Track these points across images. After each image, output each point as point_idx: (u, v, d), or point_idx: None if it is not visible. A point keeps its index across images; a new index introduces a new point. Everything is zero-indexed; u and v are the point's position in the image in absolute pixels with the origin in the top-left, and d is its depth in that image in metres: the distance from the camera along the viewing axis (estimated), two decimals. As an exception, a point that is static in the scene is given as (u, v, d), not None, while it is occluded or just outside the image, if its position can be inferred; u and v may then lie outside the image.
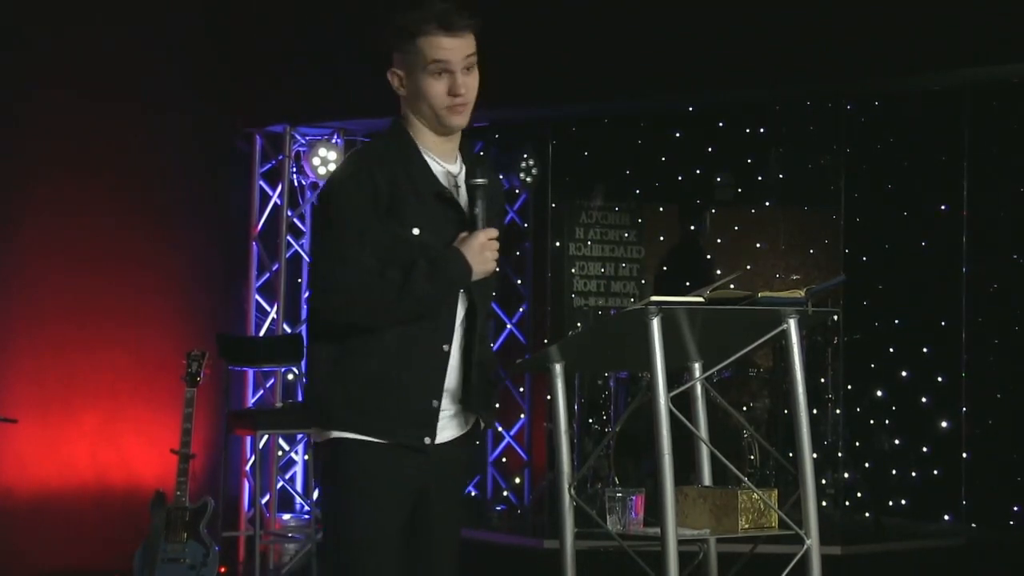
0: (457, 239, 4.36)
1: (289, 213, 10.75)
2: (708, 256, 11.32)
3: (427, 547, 4.64)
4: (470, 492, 11.66)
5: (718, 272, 10.95)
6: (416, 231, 4.33)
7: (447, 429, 4.42)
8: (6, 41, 9.53)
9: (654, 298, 4.86)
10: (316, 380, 4.39)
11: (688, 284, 10.30)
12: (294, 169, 10.76)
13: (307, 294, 4.28)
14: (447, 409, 4.40)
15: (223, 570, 9.65)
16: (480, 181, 4.40)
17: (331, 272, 4.30)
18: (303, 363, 10.45)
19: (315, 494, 10.68)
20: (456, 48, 4.41)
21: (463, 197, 4.41)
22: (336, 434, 4.34)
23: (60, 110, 9.96)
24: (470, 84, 4.43)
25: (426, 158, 4.45)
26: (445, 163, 4.47)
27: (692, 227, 11.60)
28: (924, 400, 10.77)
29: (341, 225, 4.31)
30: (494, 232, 4.37)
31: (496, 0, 9.82)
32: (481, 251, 4.34)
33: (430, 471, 4.42)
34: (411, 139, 4.50)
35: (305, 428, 10.20)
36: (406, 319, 4.30)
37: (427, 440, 4.36)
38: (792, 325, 5.09)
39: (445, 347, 4.38)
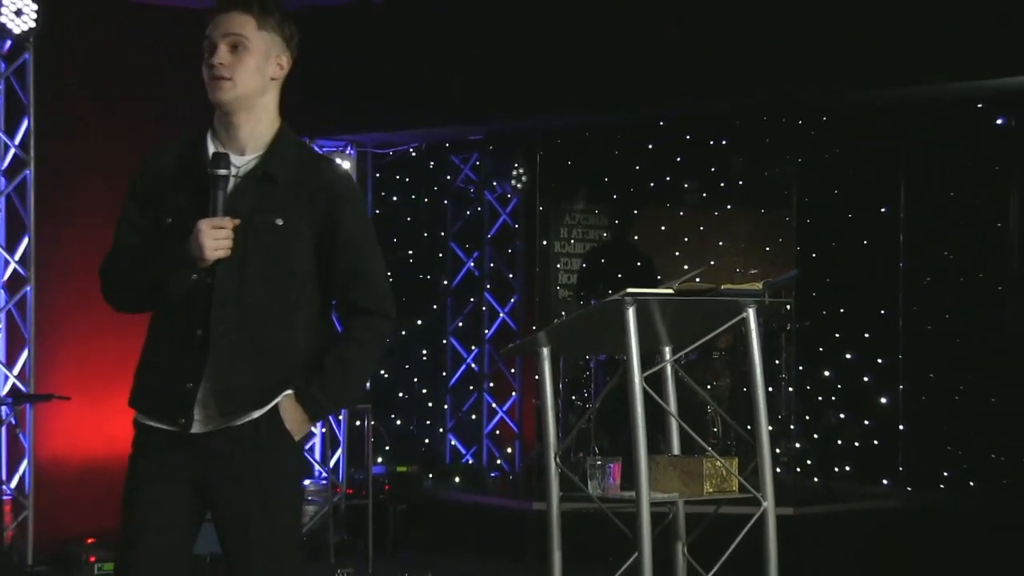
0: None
1: (308, 215, 10.73)
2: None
3: (226, 547, 4.08)
4: (467, 460, 11.68)
5: (685, 267, 10.94)
6: (170, 220, 4.01)
7: (215, 419, 3.95)
8: (57, 65, 9.54)
9: (630, 290, 4.88)
10: None
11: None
12: (312, 176, 10.73)
13: None
14: (217, 396, 3.93)
15: (250, 529, 9.65)
16: (222, 172, 3.98)
17: (105, 258, 4.11)
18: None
19: (332, 462, 10.70)
20: (221, 24, 4.16)
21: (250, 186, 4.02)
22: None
23: (99, 123, 9.95)
24: (230, 61, 4.08)
25: (208, 147, 4.10)
26: (233, 152, 4.08)
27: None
28: (866, 379, 10.79)
29: (119, 217, 4.12)
30: (220, 220, 3.91)
31: (490, 28, 9.84)
32: (205, 237, 3.89)
33: (206, 462, 3.97)
34: (210, 126, 4.16)
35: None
36: (140, 301, 4.12)
37: (182, 421, 3.93)
38: (751, 314, 5.11)
39: (199, 331, 3.96)
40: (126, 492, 4.10)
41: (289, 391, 3.96)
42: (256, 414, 3.95)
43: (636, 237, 11.59)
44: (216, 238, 3.90)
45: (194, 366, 3.95)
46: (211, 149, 4.07)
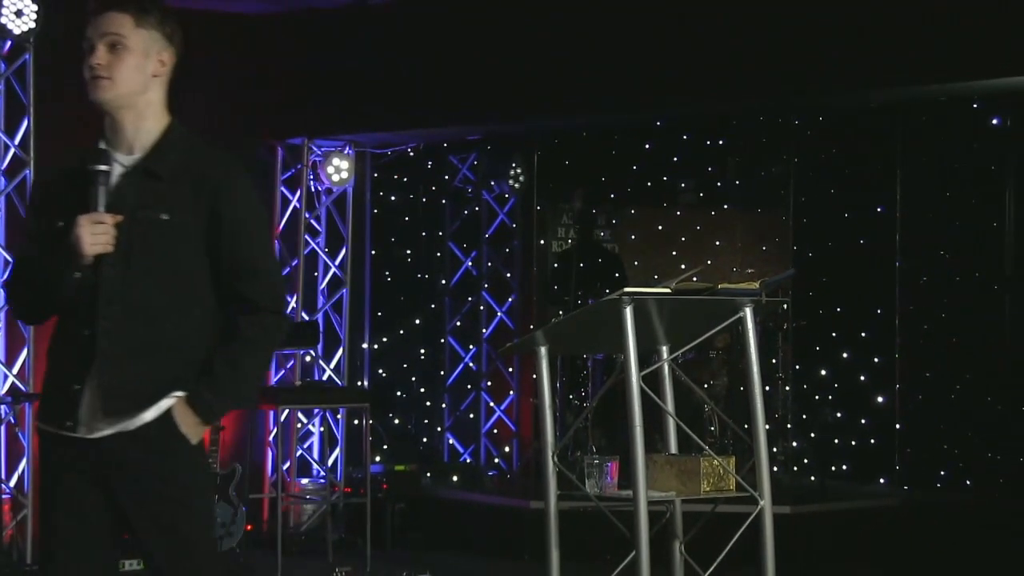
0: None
1: (306, 215, 10.73)
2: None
3: (146, 551, 4.05)
4: (465, 459, 11.67)
5: (682, 267, 10.92)
6: (61, 223, 3.91)
7: (104, 421, 3.86)
8: (57, 65, 9.52)
9: (627, 289, 4.87)
10: None
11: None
12: (311, 177, 10.74)
13: None
14: (103, 396, 3.85)
15: (249, 528, 9.65)
16: (100, 168, 3.96)
17: (7, 274, 4.02)
18: (313, 346, 10.46)
19: (331, 461, 10.68)
20: (99, 24, 4.10)
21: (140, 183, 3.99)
22: None
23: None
24: (108, 61, 4.05)
25: (101, 145, 4.08)
26: (121, 152, 4.06)
27: (660, 227, 11.60)
28: (862, 378, 10.78)
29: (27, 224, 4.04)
30: (98, 216, 3.86)
31: (488, 29, 9.83)
32: (83, 233, 3.84)
33: (105, 466, 3.88)
34: (102, 127, 4.10)
35: (323, 405, 10.21)
36: (34, 305, 4.00)
37: (69, 424, 3.85)
38: (748, 313, 5.09)
39: (86, 332, 3.86)
40: (40, 499, 4.04)
41: (180, 393, 3.89)
42: (148, 416, 3.87)
43: (633, 237, 11.59)
44: (94, 232, 3.84)
45: (81, 367, 3.87)
46: (111, 152, 4.05)
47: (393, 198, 11.47)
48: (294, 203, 10.73)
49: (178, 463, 3.91)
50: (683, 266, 10.91)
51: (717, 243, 11.54)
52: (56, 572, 3.92)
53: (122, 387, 3.86)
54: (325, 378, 10.71)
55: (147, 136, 4.05)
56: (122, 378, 3.86)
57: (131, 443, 3.86)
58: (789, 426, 10.71)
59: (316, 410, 10.53)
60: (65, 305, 3.90)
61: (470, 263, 11.76)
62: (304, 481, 10.65)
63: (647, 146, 11.61)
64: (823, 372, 11.02)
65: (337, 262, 10.91)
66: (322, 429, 10.73)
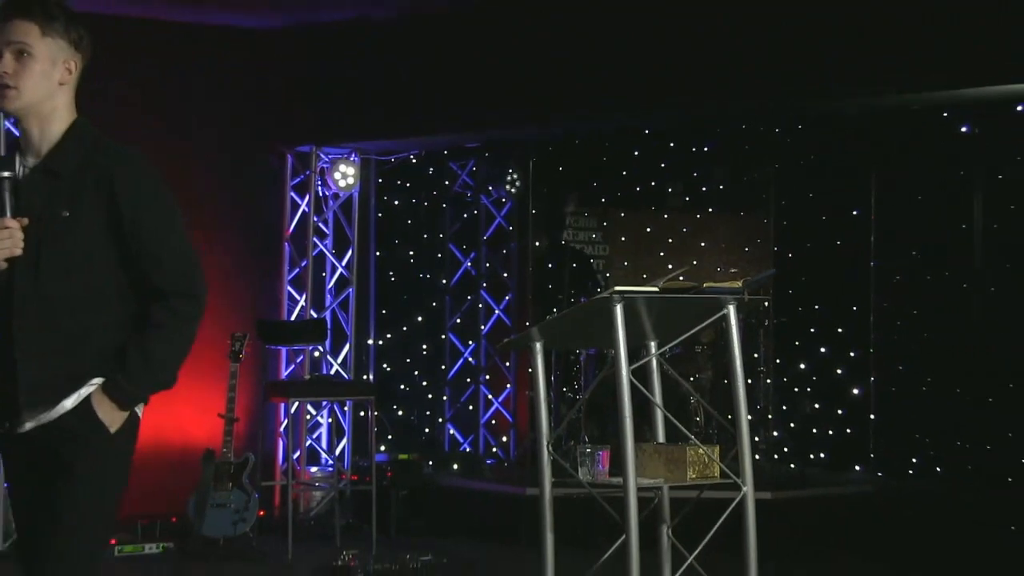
0: None
1: (315, 219, 10.74)
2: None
3: (32, 529, 3.88)
4: (464, 449, 11.67)
5: (669, 267, 10.94)
6: None
7: (30, 412, 3.80)
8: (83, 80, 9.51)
9: (617, 288, 4.88)
10: None
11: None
12: (319, 182, 10.75)
13: None
14: (26, 391, 3.77)
15: (262, 513, 9.65)
16: (4, 175, 3.81)
17: None
18: (321, 342, 10.46)
19: (338, 450, 10.68)
20: (5, 32, 3.87)
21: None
22: None
23: (134, 134, 9.92)
24: (14, 69, 3.85)
25: (17, 157, 3.92)
26: (27, 155, 3.92)
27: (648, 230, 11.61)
28: (839, 371, 10.78)
29: None
30: (4, 221, 3.77)
31: (486, 43, 9.83)
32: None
33: (37, 457, 3.83)
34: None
35: (330, 397, 10.21)
36: None
37: (7, 425, 3.80)
38: (731, 310, 5.10)
39: (3, 333, 3.78)
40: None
41: (98, 380, 3.83)
42: (68, 404, 3.81)
43: (623, 239, 11.60)
44: (0, 239, 3.77)
45: (7, 366, 3.78)
46: (19, 156, 3.91)
47: (396, 202, 11.48)
48: (303, 207, 10.74)
49: (88, 452, 3.84)
50: (670, 266, 10.93)
51: (702, 244, 11.55)
52: (22, 560, 3.88)
53: (42, 382, 3.79)
54: (333, 372, 10.72)
55: (53, 140, 3.91)
56: (42, 373, 3.79)
57: (54, 431, 3.80)
58: (770, 417, 10.71)
59: (324, 402, 10.54)
60: None
61: (469, 264, 11.77)
62: (313, 469, 10.66)
63: (636, 152, 11.61)
64: (802, 366, 11.03)
65: (344, 263, 10.92)
66: (330, 420, 10.74)
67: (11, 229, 3.78)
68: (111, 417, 3.85)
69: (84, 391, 3.82)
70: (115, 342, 3.86)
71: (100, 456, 3.86)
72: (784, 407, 10.99)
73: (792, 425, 10.96)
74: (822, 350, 10.91)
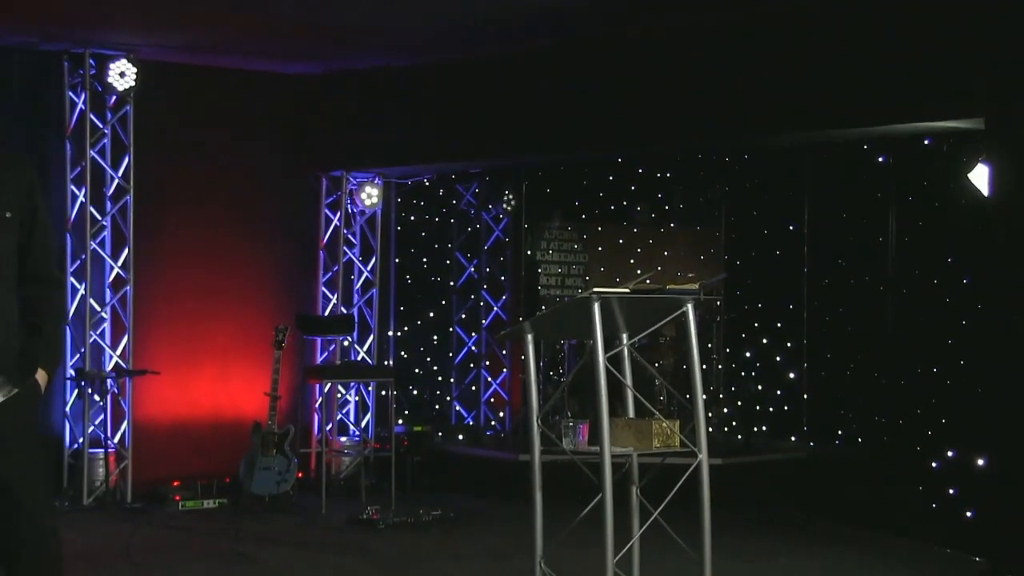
0: None
1: (345, 231, 10.73)
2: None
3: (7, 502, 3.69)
4: (468, 422, 11.67)
5: (638, 272, 10.93)
6: None
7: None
8: (151, 114, 9.50)
9: (595, 289, 4.87)
10: None
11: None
12: (348, 201, 10.74)
13: None
14: None
15: (300, 475, 9.65)
16: None
17: None
18: (350, 334, 10.45)
19: (363, 423, 10.67)
20: None
21: None
22: None
23: (182, 159, 9.94)
24: None
25: None
26: None
27: (620, 240, 11.60)
28: (778, 359, 10.79)
29: None
30: None
31: (487, 87, 9.83)
32: None
33: None
34: None
35: (357, 379, 10.20)
36: None
37: None
38: (690, 308, 5.10)
39: None
40: None
41: None
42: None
43: (600, 248, 11.59)
44: None
45: None
46: None
47: (412, 218, 11.46)
48: (335, 222, 10.73)
49: (19, 428, 3.74)
50: (639, 271, 10.94)
51: (665, 254, 11.55)
52: None
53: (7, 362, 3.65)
54: (359, 359, 10.71)
55: None
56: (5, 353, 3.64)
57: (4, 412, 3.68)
58: (721, 396, 10.71)
59: (352, 383, 10.53)
60: None
61: (472, 269, 11.76)
62: (343, 439, 10.65)
63: (610, 178, 11.61)
64: (748, 354, 11.03)
65: (368, 268, 10.91)
66: (357, 398, 10.73)
67: None
68: (41, 387, 3.78)
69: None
70: (14, 325, 3.70)
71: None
72: (733, 388, 10.99)
73: (739, 403, 10.96)
74: (764, 341, 10.92)
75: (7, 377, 3.67)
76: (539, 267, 11.61)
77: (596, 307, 4.82)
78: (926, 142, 8.84)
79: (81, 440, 9.24)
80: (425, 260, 11.58)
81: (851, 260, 10.03)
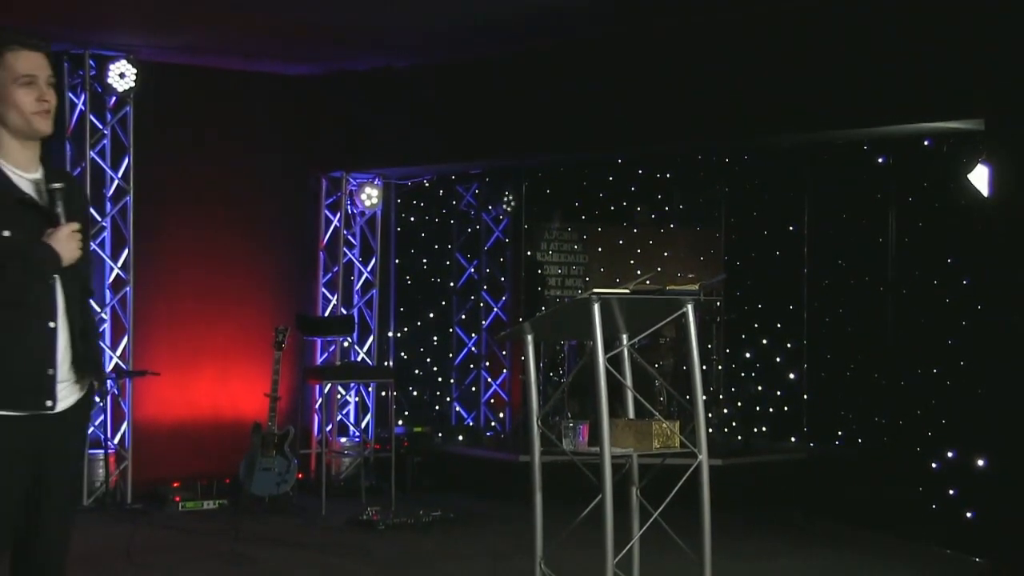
0: (45, 234, 3.63)
1: (345, 232, 10.73)
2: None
3: (44, 499, 3.66)
4: (468, 423, 11.67)
5: (638, 273, 10.94)
6: (7, 233, 3.56)
7: (69, 395, 3.67)
8: (150, 115, 9.50)
9: (595, 290, 4.87)
10: None
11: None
12: (348, 202, 10.74)
13: None
14: (65, 378, 3.66)
15: (300, 476, 9.65)
16: (57, 186, 3.66)
17: None
18: (350, 334, 10.44)
19: (363, 424, 10.66)
20: (41, 64, 3.66)
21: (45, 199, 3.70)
22: None
23: (182, 160, 9.94)
24: (52, 98, 3.67)
25: (5, 171, 3.65)
26: (26, 172, 3.68)
27: (621, 241, 11.60)
28: (778, 359, 10.78)
29: None
30: (76, 225, 3.67)
31: (486, 88, 9.83)
32: (67, 241, 3.63)
33: (50, 435, 3.63)
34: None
35: (357, 380, 10.20)
36: (8, 305, 3.56)
37: (48, 404, 3.60)
38: (689, 309, 5.09)
39: (51, 324, 3.62)
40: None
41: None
42: (79, 395, 3.73)
43: (600, 249, 11.60)
44: (72, 241, 3.66)
45: (51, 354, 3.62)
46: (16, 172, 3.67)
47: (412, 219, 11.46)
48: (335, 223, 10.73)
49: (85, 427, 3.87)
50: (639, 272, 10.94)
51: (665, 254, 11.55)
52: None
53: (84, 364, 3.71)
54: (359, 359, 10.71)
55: (36, 160, 3.74)
56: (84, 359, 3.71)
57: (76, 411, 3.72)
58: (721, 397, 10.71)
59: (352, 384, 10.53)
60: (16, 304, 3.59)
61: (472, 270, 11.76)
62: (343, 439, 10.65)
63: (610, 179, 11.61)
64: (748, 355, 11.03)
65: (368, 269, 10.91)
66: (357, 399, 10.73)
67: (78, 234, 3.70)
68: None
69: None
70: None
71: (84, 441, 3.92)
72: (733, 389, 10.99)
73: (739, 404, 10.95)
74: (764, 342, 10.91)
75: (88, 381, 3.75)
76: (540, 267, 11.61)
77: (596, 308, 4.82)
78: (926, 143, 8.84)
79: (81, 441, 9.23)
80: (425, 261, 11.57)
81: (851, 261, 10.03)
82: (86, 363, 3.71)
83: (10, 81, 3.62)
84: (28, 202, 3.65)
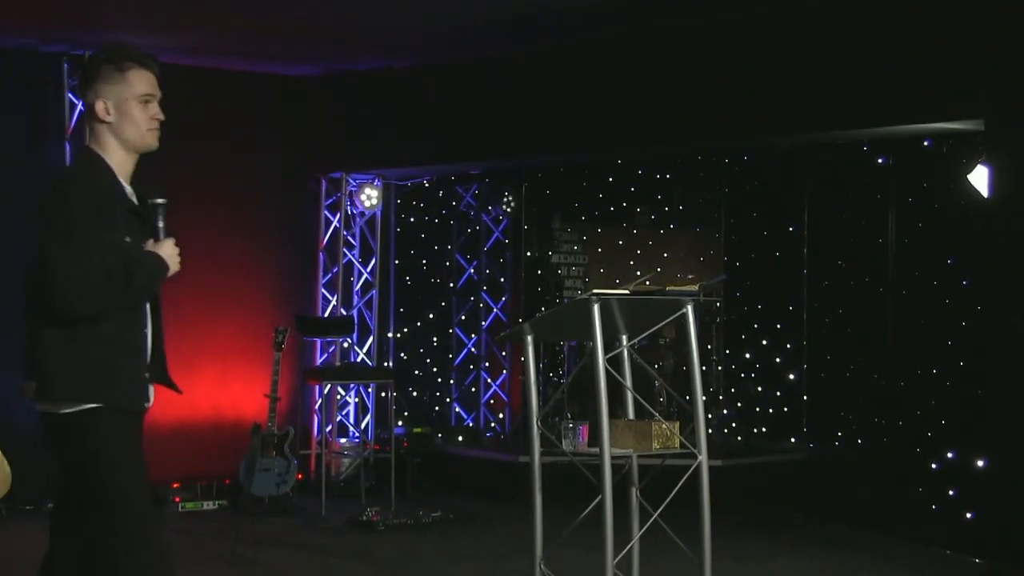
0: (148, 245, 3.87)
1: (344, 233, 10.72)
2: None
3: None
4: (468, 423, 11.67)
5: (638, 273, 10.94)
6: (128, 239, 3.78)
7: (151, 397, 3.97)
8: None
9: (595, 291, 4.87)
10: (51, 362, 3.71)
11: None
12: (348, 203, 10.73)
13: (49, 288, 3.62)
14: (159, 379, 3.99)
15: (300, 477, 9.65)
16: (162, 201, 3.92)
17: (76, 275, 3.62)
18: (350, 335, 10.43)
19: (363, 424, 10.65)
20: (151, 84, 3.95)
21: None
22: (86, 407, 3.71)
23: (190, 160, 9.93)
24: (162, 115, 3.99)
25: (118, 180, 3.86)
26: (127, 184, 3.91)
27: (620, 242, 11.60)
28: (778, 360, 10.77)
29: (78, 232, 3.64)
30: (174, 239, 3.95)
31: (486, 89, 9.83)
32: (173, 254, 3.91)
33: (141, 434, 3.92)
34: (106, 163, 3.84)
35: (357, 380, 10.20)
36: (130, 307, 3.81)
37: (147, 405, 3.89)
38: (689, 309, 5.09)
39: (146, 330, 3.91)
40: (128, 463, 3.80)
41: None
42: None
43: (600, 250, 11.60)
44: (175, 255, 3.92)
45: (146, 358, 3.93)
46: (126, 185, 3.90)
47: (412, 219, 11.46)
48: (335, 223, 10.73)
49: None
50: (638, 273, 10.94)
51: (665, 255, 11.54)
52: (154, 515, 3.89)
53: (165, 369, 4.00)
54: (359, 360, 10.71)
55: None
56: (163, 364, 3.99)
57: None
58: (721, 397, 10.70)
59: (352, 385, 10.53)
60: (131, 310, 3.85)
61: (472, 270, 11.76)
62: (342, 440, 10.65)
63: (610, 179, 11.60)
64: (747, 355, 11.02)
65: (368, 269, 10.91)
66: (356, 400, 10.72)
67: (176, 247, 3.91)
68: None
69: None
70: None
71: None
72: (732, 389, 10.98)
73: (739, 404, 10.95)
74: (764, 342, 10.91)
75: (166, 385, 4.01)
76: (539, 269, 11.60)
77: (596, 308, 4.82)
78: (926, 143, 8.84)
79: (81, 442, 9.23)
80: (425, 261, 11.57)
81: (851, 261, 10.02)
82: (159, 369, 4.00)
83: (130, 97, 3.85)
84: (137, 212, 3.86)
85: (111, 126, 3.84)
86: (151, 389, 3.92)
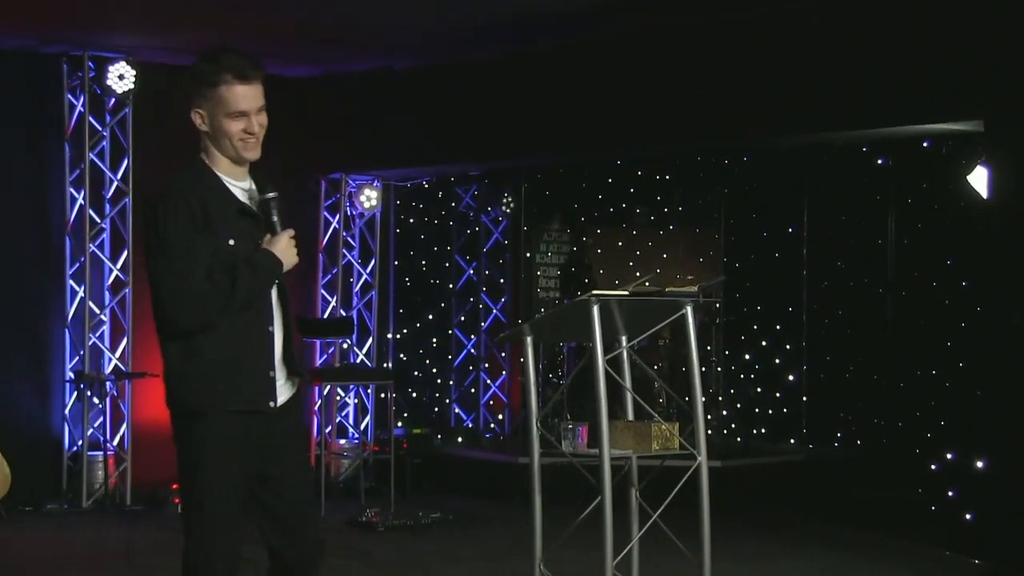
0: (264, 241, 3.82)
1: (344, 234, 10.72)
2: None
3: (282, 491, 3.85)
4: (467, 424, 11.67)
5: (637, 274, 10.92)
6: (232, 242, 3.74)
7: (283, 393, 3.83)
8: (149, 116, 9.49)
9: (595, 292, 4.87)
10: (173, 373, 3.79)
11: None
12: (348, 204, 10.73)
13: (156, 304, 3.71)
14: (280, 377, 3.82)
15: (299, 477, 9.61)
16: (272, 195, 3.89)
17: (175, 289, 3.64)
18: (349, 336, 10.42)
19: (363, 425, 10.65)
20: (251, 97, 3.94)
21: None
22: (192, 409, 3.79)
23: (182, 160, 9.91)
24: (262, 122, 3.96)
25: (225, 182, 3.88)
26: (238, 182, 3.91)
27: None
28: (777, 361, 10.79)
29: (171, 246, 3.67)
30: (292, 232, 3.87)
31: (485, 90, 9.83)
32: (288, 248, 3.82)
33: (273, 430, 3.79)
34: (210, 168, 3.87)
35: (356, 381, 10.20)
36: (240, 311, 3.71)
37: (271, 404, 3.77)
38: (688, 310, 5.09)
39: (270, 328, 3.80)
40: (222, 469, 3.82)
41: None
42: (291, 392, 3.91)
43: (599, 251, 11.60)
44: (291, 248, 3.83)
45: (271, 356, 3.80)
46: (232, 183, 3.91)
47: (411, 220, 11.46)
48: (334, 224, 10.73)
49: (301, 421, 4.09)
50: (638, 274, 10.93)
51: (664, 256, 11.54)
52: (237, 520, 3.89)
53: (292, 363, 3.86)
54: (358, 361, 10.70)
55: (246, 170, 4.01)
56: (294, 360, 3.87)
57: (290, 406, 3.88)
58: (720, 398, 10.70)
59: (351, 386, 10.52)
60: (246, 310, 3.75)
61: (472, 271, 11.76)
62: (342, 441, 10.64)
63: (609, 180, 11.61)
64: (747, 356, 11.03)
65: (368, 270, 10.91)
66: (356, 401, 10.72)
67: (294, 239, 3.85)
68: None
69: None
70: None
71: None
72: (732, 390, 10.99)
73: (738, 405, 10.95)
74: (763, 343, 10.92)
75: (296, 378, 3.90)
76: (538, 269, 11.61)
77: (595, 310, 4.82)
78: (926, 144, 8.85)
79: (80, 443, 9.22)
80: (424, 262, 11.57)
81: (851, 262, 10.04)
82: (293, 362, 3.87)
83: (222, 114, 3.85)
84: (247, 211, 3.84)
85: (208, 135, 3.89)
86: (279, 386, 3.80)
